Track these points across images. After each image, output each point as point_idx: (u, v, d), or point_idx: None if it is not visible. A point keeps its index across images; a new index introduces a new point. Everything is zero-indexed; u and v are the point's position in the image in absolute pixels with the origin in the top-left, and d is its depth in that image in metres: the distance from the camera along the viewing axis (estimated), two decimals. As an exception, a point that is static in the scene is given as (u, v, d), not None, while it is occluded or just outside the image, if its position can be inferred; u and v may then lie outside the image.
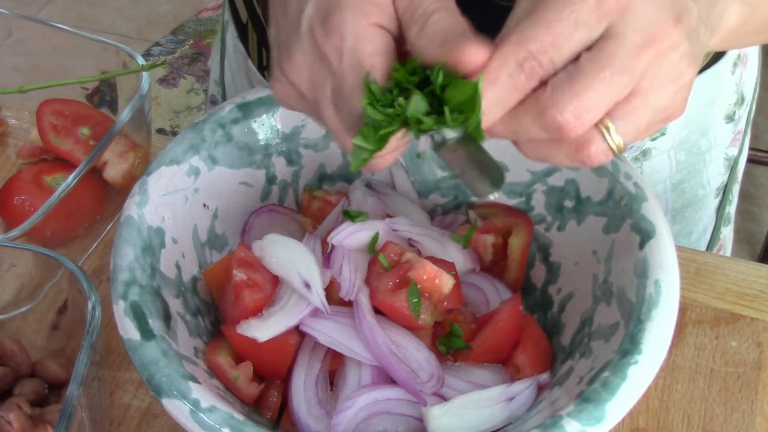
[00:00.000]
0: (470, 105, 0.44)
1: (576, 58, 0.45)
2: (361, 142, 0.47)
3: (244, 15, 0.87)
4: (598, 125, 0.46)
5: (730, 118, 0.88)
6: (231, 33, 0.92)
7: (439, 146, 0.47)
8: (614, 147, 0.47)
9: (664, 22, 0.45)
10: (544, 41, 0.44)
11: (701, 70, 0.80)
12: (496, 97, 0.45)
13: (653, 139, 0.83)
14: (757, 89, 0.94)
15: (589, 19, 0.44)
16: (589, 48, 0.45)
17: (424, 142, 0.47)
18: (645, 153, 0.84)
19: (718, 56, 0.82)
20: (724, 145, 0.90)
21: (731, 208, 0.99)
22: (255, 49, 0.88)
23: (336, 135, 0.51)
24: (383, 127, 0.46)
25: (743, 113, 0.91)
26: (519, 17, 0.46)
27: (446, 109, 0.45)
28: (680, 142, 0.84)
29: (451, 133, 0.46)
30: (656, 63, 0.45)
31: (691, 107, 0.82)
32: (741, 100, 0.89)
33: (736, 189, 0.98)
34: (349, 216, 0.64)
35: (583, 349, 0.59)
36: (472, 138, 0.46)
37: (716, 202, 0.95)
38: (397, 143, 0.48)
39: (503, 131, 0.47)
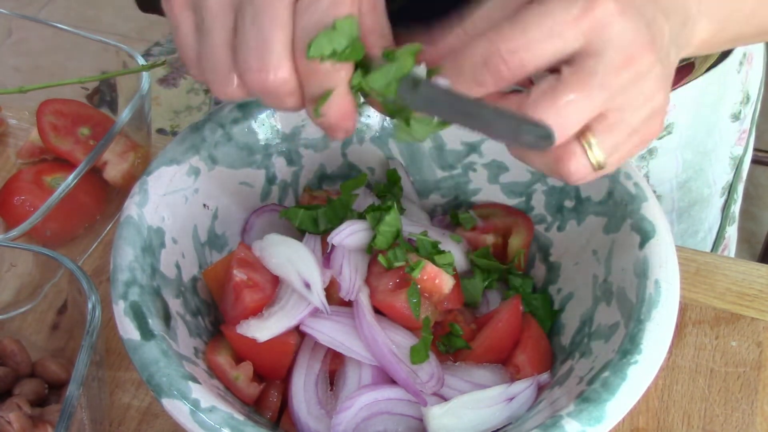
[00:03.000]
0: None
1: (557, 72, 0.46)
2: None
3: None
4: (580, 139, 0.47)
5: (736, 117, 0.89)
6: None
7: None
8: (595, 163, 0.48)
9: (640, 44, 0.46)
10: (517, 43, 0.45)
11: (708, 69, 0.81)
12: (460, 88, 0.46)
13: (660, 138, 0.83)
14: (762, 89, 0.94)
15: (566, 31, 0.45)
16: (569, 63, 0.46)
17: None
18: (651, 152, 0.84)
19: (724, 55, 0.82)
20: (729, 144, 0.90)
21: (736, 208, 0.99)
22: None
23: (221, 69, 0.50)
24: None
25: (748, 112, 0.91)
26: (491, 14, 0.47)
27: None
28: (686, 140, 0.85)
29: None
30: (632, 83, 0.46)
31: (698, 106, 0.83)
32: (746, 99, 0.89)
33: (740, 188, 0.98)
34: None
35: (583, 349, 0.59)
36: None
37: (721, 201, 0.95)
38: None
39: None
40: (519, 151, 0.50)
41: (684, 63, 0.78)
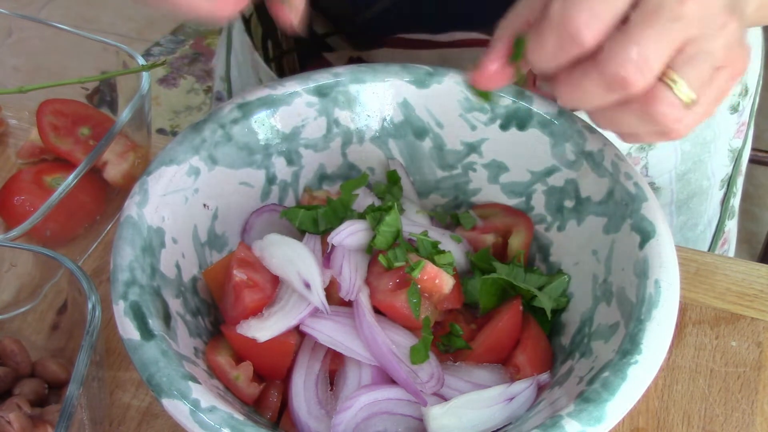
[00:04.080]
0: None
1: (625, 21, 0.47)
2: None
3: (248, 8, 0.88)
4: (663, 79, 0.47)
5: (735, 109, 0.89)
6: (238, 27, 0.92)
7: None
8: (685, 98, 0.48)
9: None
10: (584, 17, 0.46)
11: None
12: (545, 53, 0.47)
13: None
14: (761, 82, 0.94)
15: None
16: (634, 7, 0.46)
17: None
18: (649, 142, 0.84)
19: None
20: (728, 137, 0.91)
21: (735, 201, 1.00)
22: (260, 42, 0.88)
23: None
24: None
25: (747, 104, 0.91)
26: None
27: None
28: None
29: None
30: (700, 10, 0.46)
31: None
32: (745, 91, 0.89)
33: (740, 182, 0.99)
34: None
35: (583, 349, 0.59)
36: None
37: (721, 194, 0.95)
38: None
39: (569, 100, 0.49)
40: (604, 115, 0.50)
41: None
